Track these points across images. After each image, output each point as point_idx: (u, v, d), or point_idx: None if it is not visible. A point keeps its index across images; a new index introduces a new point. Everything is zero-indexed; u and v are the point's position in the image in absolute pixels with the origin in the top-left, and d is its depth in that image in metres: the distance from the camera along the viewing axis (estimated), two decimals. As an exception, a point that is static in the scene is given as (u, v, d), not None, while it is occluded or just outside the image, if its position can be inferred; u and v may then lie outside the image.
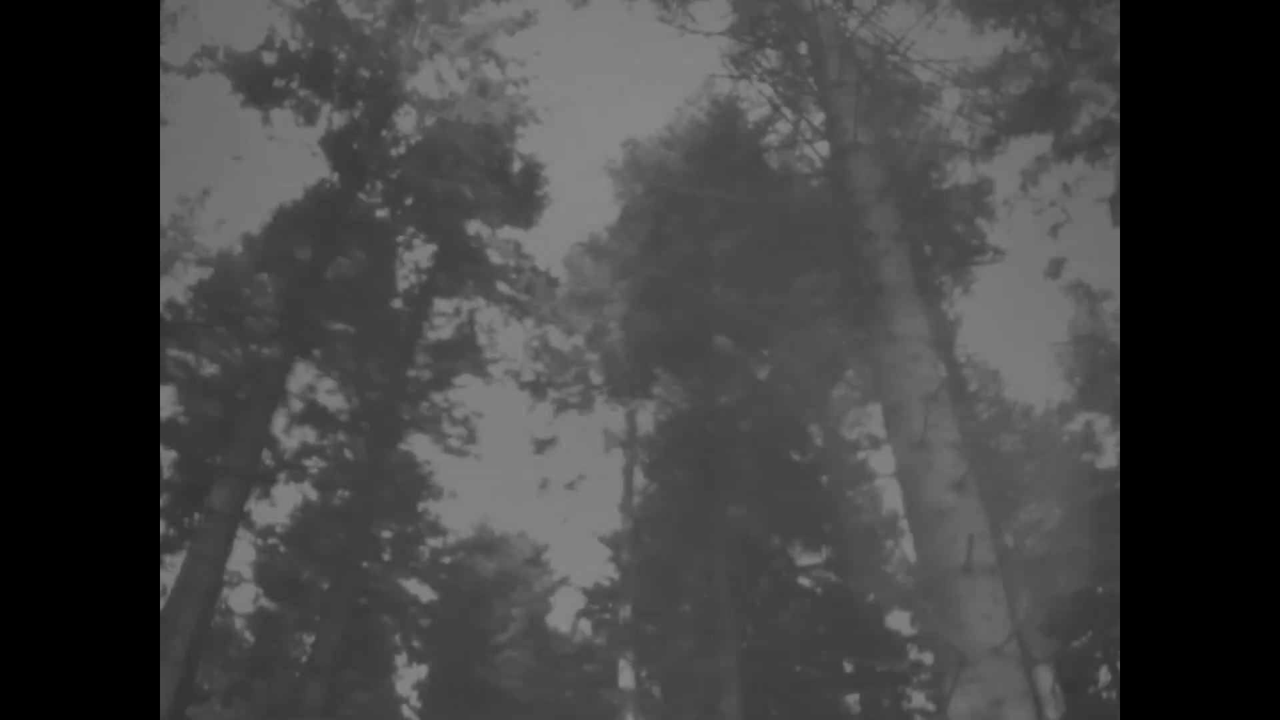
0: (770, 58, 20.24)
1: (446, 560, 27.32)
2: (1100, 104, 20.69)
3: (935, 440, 9.87)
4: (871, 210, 12.28)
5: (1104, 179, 28.19)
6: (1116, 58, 20.52)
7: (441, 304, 23.95)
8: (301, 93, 19.49)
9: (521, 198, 22.67)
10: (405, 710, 28.88)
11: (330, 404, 23.56)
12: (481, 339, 23.44)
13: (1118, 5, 20.62)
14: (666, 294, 20.87)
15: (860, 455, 30.05)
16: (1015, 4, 19.95)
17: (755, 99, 22.39)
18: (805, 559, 30.42)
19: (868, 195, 12.48)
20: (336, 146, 20.00)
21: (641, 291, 20.96)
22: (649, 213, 21.06)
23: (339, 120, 19.82)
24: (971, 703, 8.26)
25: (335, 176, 20.44)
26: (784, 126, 21.67)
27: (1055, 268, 32.55)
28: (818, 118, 23.94)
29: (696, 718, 23.46)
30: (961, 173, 24.38)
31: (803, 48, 17.06)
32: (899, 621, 32.04)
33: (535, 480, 31.45)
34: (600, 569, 43.37)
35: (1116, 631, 26.66)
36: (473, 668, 25.97)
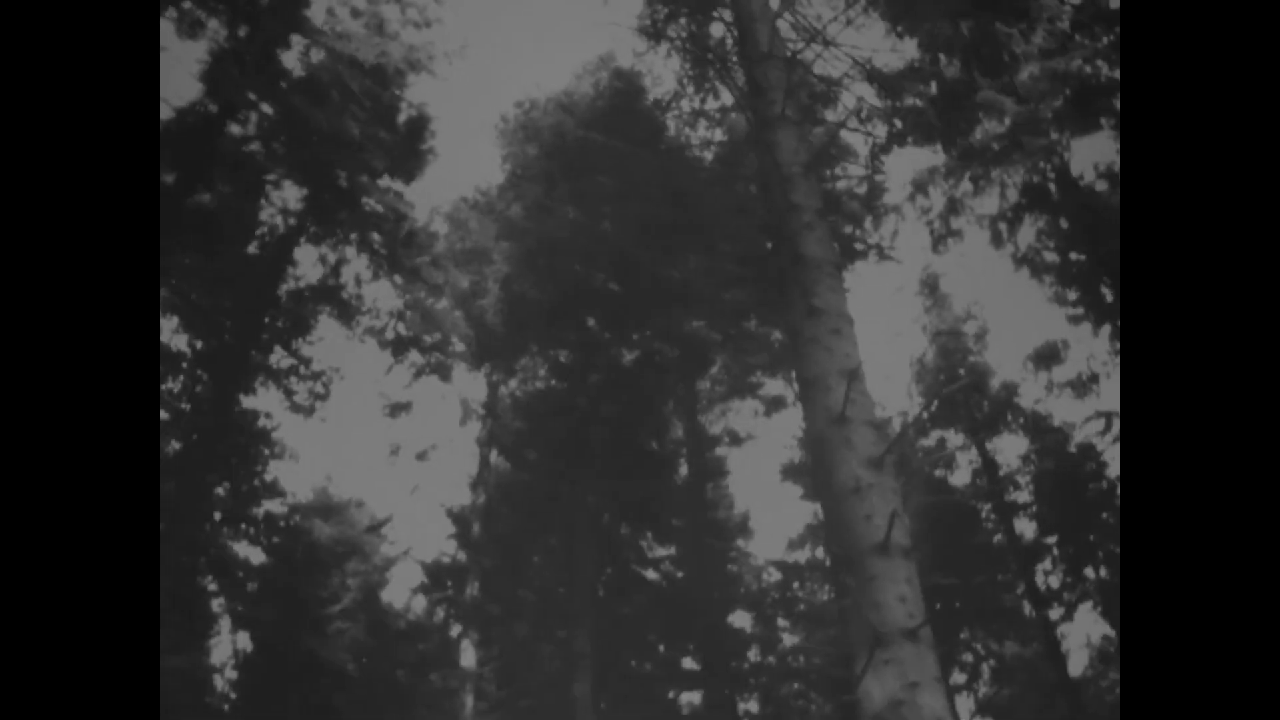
0: (682, 28, 19.99)
1: (282, 524, 26.03)
2: (1000, 118, 21.13)
3: (855, 416, 9.68)
4: (797, 183, 12.13)
5: (989, 199, 28.90)
6: (1025, 72, 21.02)
7: (308, 250, 22.78)
8: (186, 4, 18.21)
9: (406, 148, 21.76)
10: (218, 681, 27.43)
11: (173, 344, 22.10)
12: (348, 290, 22.38)
13: (1035, 21, 21.14)
14: (552, 261, 20.31)
15: (720, 451, 30.07)
16: (927, 12, 20.16)
17: (659, 75, 22.23)
18: (655, 551, 30.30)
19: (794, 168, 12.32)
20: (216, 69, 18.74)
21: (526, 255, 20.35)
22: (542, 176, 20.49)
23: (224, 39, 18.58)
24: (885, 685, 8.04)
25: (210, 101, 19.17)
26: (686, 104, 21.34)
27: (931, 280, 33.46)
28: (726, 95, 23.97)
29: (542, 701, 22.93)
30: (854, 173, 24.68)
31: (727, 15, 16.76)
32: (743, 620, 32.16)
33: (386, 447, 30.38)
34: (445, 545, 42.23)
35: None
36: (301, 638, 24.75)
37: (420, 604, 29.37)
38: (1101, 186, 22.23)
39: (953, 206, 23.67)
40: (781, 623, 32.55)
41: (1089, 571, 29.38)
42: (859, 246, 24.10)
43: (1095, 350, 30.44)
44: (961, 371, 30.58)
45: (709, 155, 24.27)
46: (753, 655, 31.54)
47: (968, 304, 35.73)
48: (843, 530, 9.02)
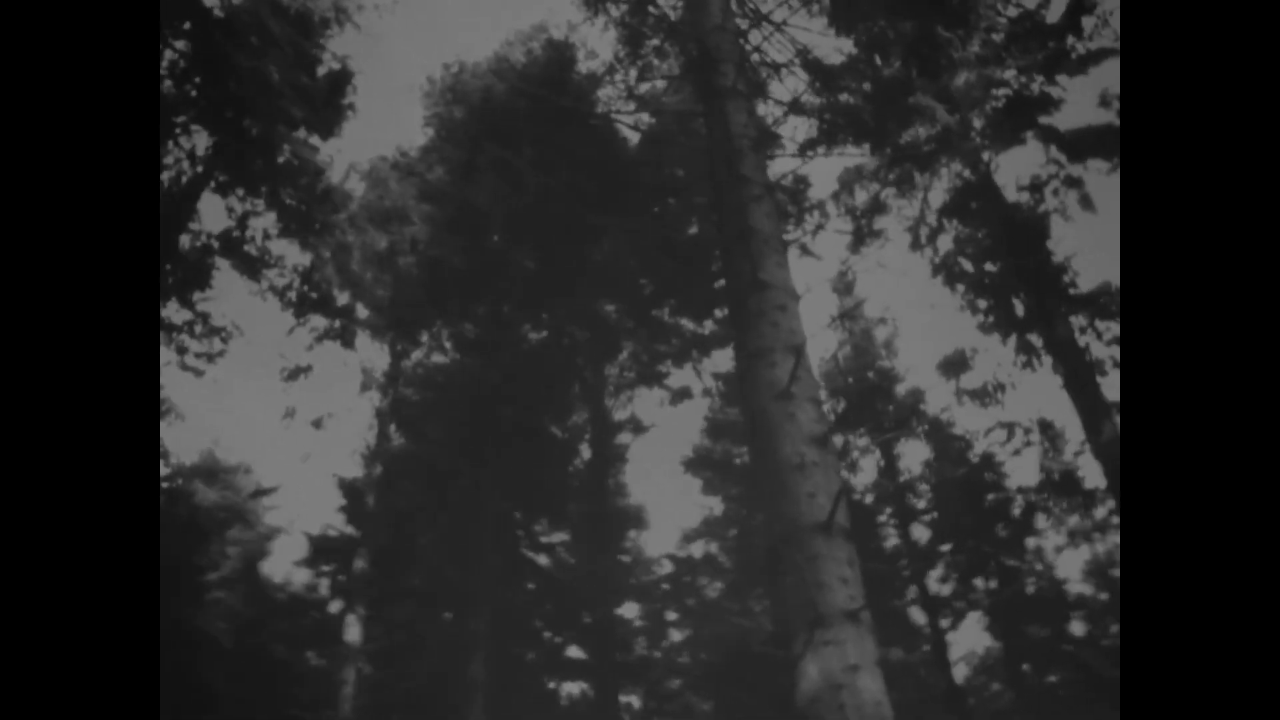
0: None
1: (163, 484, 24.94)
2: (931, 123, 21.24)
3: (799, 393, 9.48)
4: (747, 156, 11.94)
5: (913, 202, 29.18)
6: (960, 79, 21.17)
7: (214, 200, 21.73)
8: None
9: (326, 101, 20.96)
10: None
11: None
12: (254, 245, 21.44)
13: (973, 30, 21.29)
14: (473, 228, 19.75)
15: (622, 439, 29.76)
16: (870, 9, 20.17)
17: (594, 48, 21.84)
18: (549, 536, 29.90)
19: (743, 141, 12.13)
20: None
21: (447, 220, 19.75)
22: (467, 140, 19.91)
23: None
24: (825, 665, 7.80)
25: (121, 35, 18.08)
26: (620, 80, 21.01)
27: (841, 282, 33.63)
28: (658, 81, 23.70)
29: (428, 684, 22.33)
30: (783, 166, 24.67)
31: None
32: (632, 612, 31.96)
33: (281, 412, 29.30)
34: (336, 518, 41.05)
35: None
36: (174, 605, 23.73)
37: (303, 577, 28.49)
38: (1024, 198, 22.48)
39: (877, 206, 23.77)
40: (670, 616, 32.43)
41: (978, 581, 29.85)
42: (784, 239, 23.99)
43: (1002, 360, 30.79)
44: (870, 374, 30.80)
45: (636, 137, 24.00)
46: (640, 648, 31.38)
47: (881, 308, 36.09)
48: (784, 506, 8.76)
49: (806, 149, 22.09)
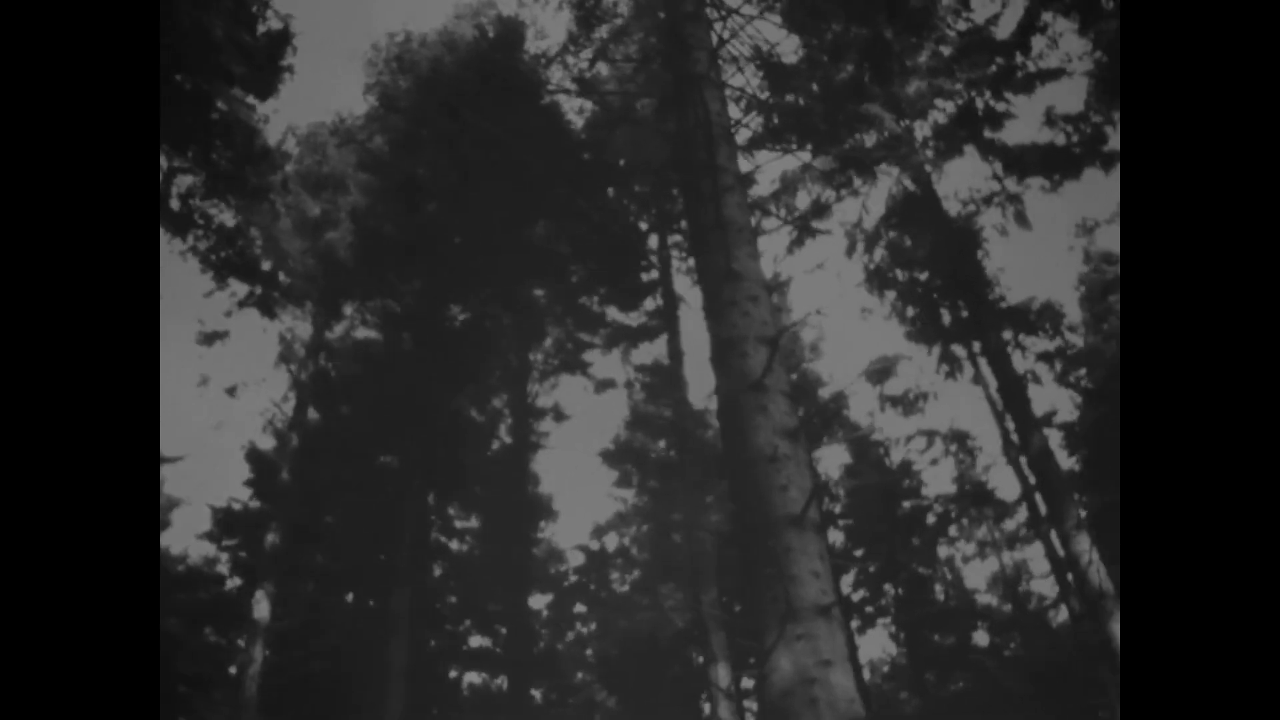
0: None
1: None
2: (880, 130, 21.45)
3: (772, 385, 9.44)
4: (720, 145, 11.86)
5: (852, 207, 29.36)
6: (911, 87, 21.42)
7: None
8: None
9: (266, 60, 20.35)
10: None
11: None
12: (176, 203, 20.73)
13: (924, 40, 21.56)
14: (413, 199, 19.37)
15: (542, 426, 29.55)
16: (830, 11, 20.26)
17: (544, 28, 21.57)
18: (461, 521, 29.57)
19: (717, 129, 12.06)
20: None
21: (387, 190, 19.33)
22: (413, 110, 19.49)
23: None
24: (797, 660, 7.76)
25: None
26: (572, 62, 20.80)
27: (775, 282, 33.82)
28: (604, 68, 23.53)
29: (338, 665, 21.83)
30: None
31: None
32: (537, 603, 31.75)
33: (193, 379, 28.41)
34: (242, 491, 40.08)
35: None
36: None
37: (204, 551, 27.70)
38: (963, 211, 22.86)
39: (818, 209, 23.97)
40: (579, 609, 32.33)
41: (889, 588, 30.33)
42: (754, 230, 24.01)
43: (925, 368, 31.26)
44: (793, 376, 31.04)
45: (581, 121, 23.82)
46: (544, 640, 31.22)
47: (807, 311, 36.38)
48: (755, 499, 8.72)
49: (752, 146, 22.13)
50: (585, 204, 23.75)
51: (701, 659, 30.27)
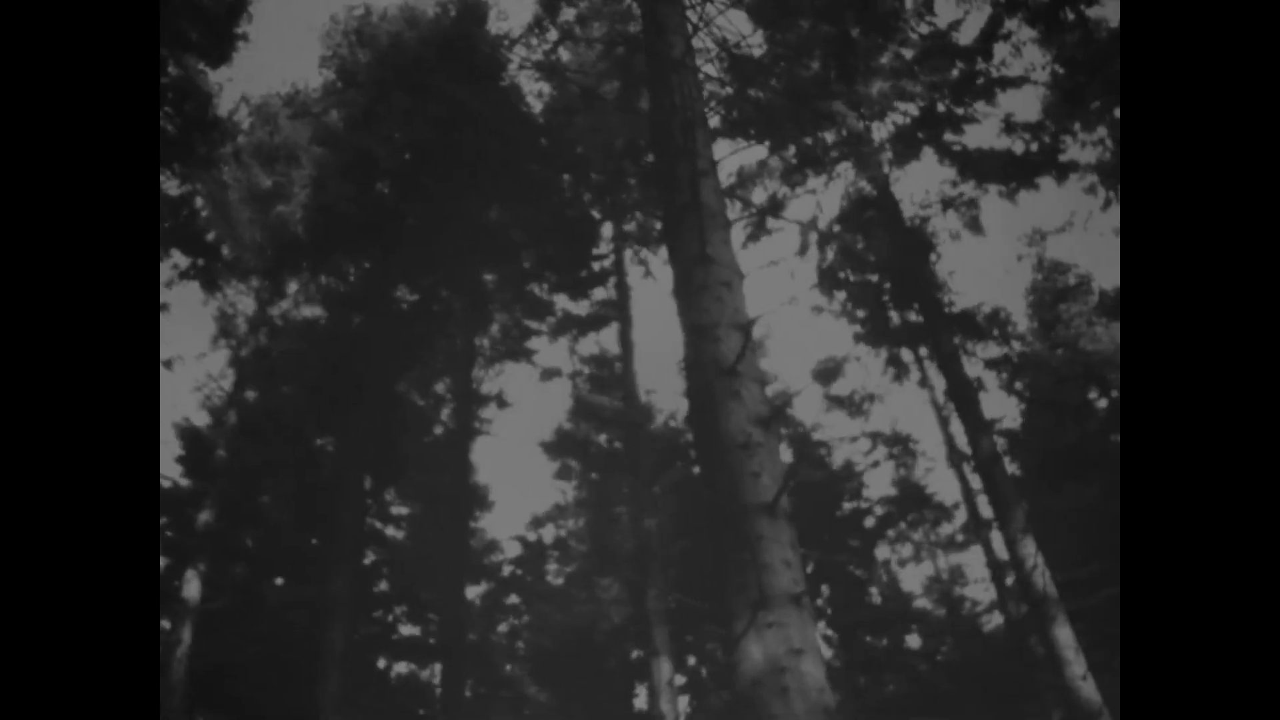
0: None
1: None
2: (840, 129, 21.52)
3: (745, 372, 9.39)
4: (696, 130, 11.79)
5: (807, 203, 29.40)
6: (874, 87, 21.50)
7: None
8: None
9: (222, 26, 19.91)
10: None
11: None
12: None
13: (888, 41, 21.65)
14: (368, 176, 19.04)
15: (485, 414, 29.23)
16: (800, 6, 20.26)
17: (505, 9, 21.31)
18: (398, 507, 29.21)
19: (691, 113, 11.99)
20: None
21: (342, 166, 18.96)
22: (373, 84, 19.16)
23: None
24: (768, 649, 7.69)
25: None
26: (536, 45, 20.57)
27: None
28: (564, 52, 23.34)
29: (272, 647, 21.42)
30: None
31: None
32: (470, 594, 31.42)
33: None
34: (172, 468, 39.22)
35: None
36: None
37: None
38: (919, 214, 23.02)
39: (774, 205, 23.99)
40: (513, 600, 32.09)
41: (825, 588, 30.51)
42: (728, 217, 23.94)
43: (871, 370, 31.49)
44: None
45: (540, 105, 23.61)
46: (476, 631, 30.91)
47: (763, 307, 36.50)
48: (728, 485, 8.64)
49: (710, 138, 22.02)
50: (541, 190, 23.57)
51: (637, 654, 30.24)
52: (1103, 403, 27.34)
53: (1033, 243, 30.00)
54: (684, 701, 32.37)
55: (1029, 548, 17.54)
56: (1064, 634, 16.57)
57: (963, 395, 19.85)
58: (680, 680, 31.88)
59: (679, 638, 29.56)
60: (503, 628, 31.68)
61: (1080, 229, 25.90)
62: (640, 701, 30.01)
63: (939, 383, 27.09)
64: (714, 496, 8.85)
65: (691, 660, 31.60)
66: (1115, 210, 27.16)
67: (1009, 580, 27.24)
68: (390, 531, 28.81)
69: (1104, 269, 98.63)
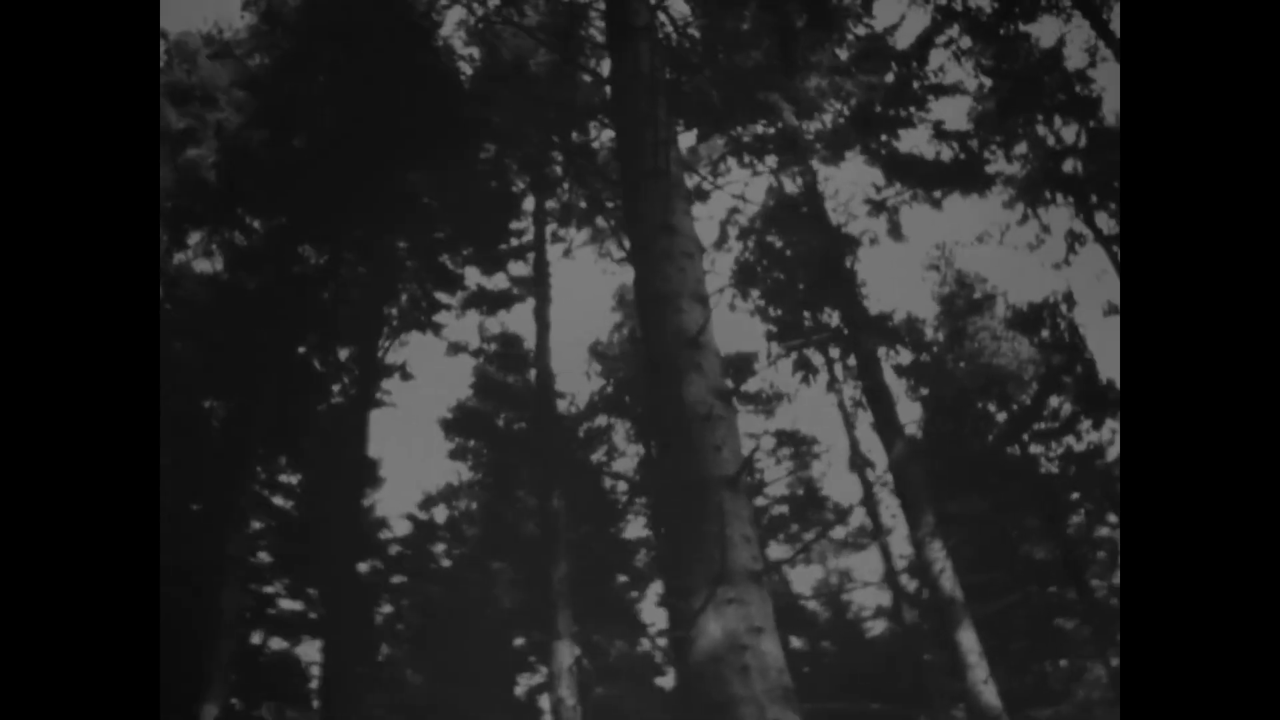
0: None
1: None
2: (775, 121, 21.53)
3: (707, 344, 9.26)
4: (659, 98, 11.60)
5: (725, 196, 29.39)
6: (813, 83, 21.55)
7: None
8: None
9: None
10: None
11: None
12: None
13: (826, 39, 21.72)
14: (288, 127, 18.36)
15: (387, 385, 28.44)
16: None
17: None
18: (286, 476, 28.30)
19: (654, 81, 11.82)
20: None
21: (265, 111, 18.23)
22: (302, 31, 18.47)
23: None
24: (727, 625, 7.53)
25: None
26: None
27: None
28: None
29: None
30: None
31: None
32: (359, 571, 30.57)
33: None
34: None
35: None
36: None
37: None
38: (843, 214, 23.17)
39: (697, 194, 23.91)
40: (397, 580, 31.37)
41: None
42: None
43: (781, 369, 31.67)
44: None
45: (471, 70, 23.13)
46: (362, 609, 30.13)
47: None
48: (689, 457, 8.47)
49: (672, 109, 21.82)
50: (462, 158, 23.09)
51: (521, 641, 29.95)
52: (1001, 416, 28.00)
53: (944, 253, 30.63)
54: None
55: (938, 551, 17.77)
56: (968, 638, 16.81)
57: (879, 397, 20.05)
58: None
59: (584, 621, 29.34)
60: (386, 608, 30.96)
61: (996, 242, 26.36)
62: (521, 689, 29.78)
63: (847, 387, 27.36)
64: (673, 468, 8.67)
65: (576, 651, 31.34)
66: (1032, 225, 27.83)
67: (910, 584, 27.78)
68: (278, 500, 27.87)
69: (1016, 283, 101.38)
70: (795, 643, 30.94)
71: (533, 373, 30.13)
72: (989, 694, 16.13)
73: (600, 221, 25.49)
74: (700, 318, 9.40)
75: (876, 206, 22.56)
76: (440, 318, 27.96)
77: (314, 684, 28.72)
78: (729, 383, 9.20)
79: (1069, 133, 24.95)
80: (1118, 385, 25.06)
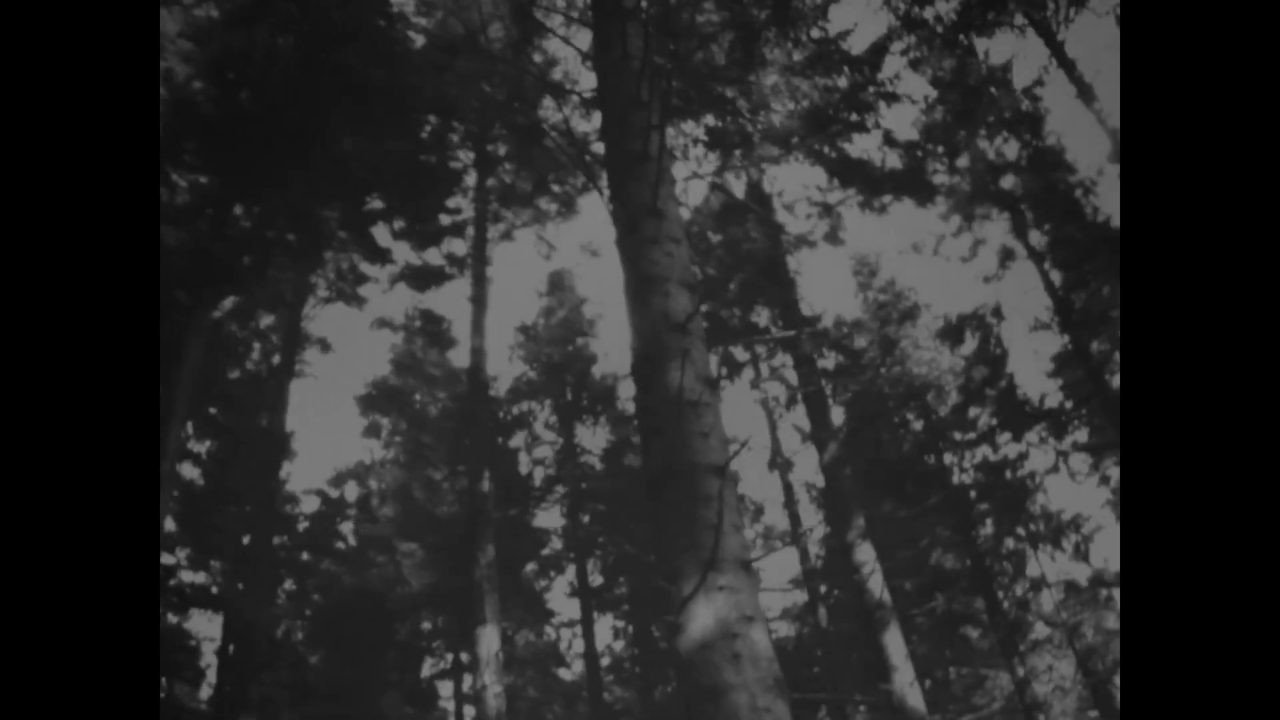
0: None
1: None
2: (733, 117, 21.62)
3: (694, 330, 9.31)
4: (646, 81, 11.61)
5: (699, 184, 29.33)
6: (770, 79, 21.69)
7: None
8: None
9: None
10: None
11: None
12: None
13: (784, 37, 21.87)
14: (236, 78, 17.87)
15: (307, 356, 27.93)
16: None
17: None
18: (197, 445, 27.58)
19: (638, 63, 11.83)
20: None
21: (211, 63, 17.71)
22: (257, -18, 17.97)
23: None
24: (719, 612, 7.57)
25: None
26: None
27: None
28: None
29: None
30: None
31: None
32: (265, 547, 29.91)
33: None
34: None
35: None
36: None
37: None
38: (786, 215, 23.42)
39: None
40: (305, 558, 30.79)
41: (623, 579, 30.62)
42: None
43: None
44: (570, 348, 30.89)
45: (421, 40, 22.81)
46: (265, 585, 29.52)
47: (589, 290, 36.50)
48: (678, 443, 8.49)
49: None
50: (403, 127, 22.76)
51: (427, 625, 29.65)
52: (918, 424, 28.57)
53: (872, 260, 31.16)
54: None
55: (868, 553, 18.07)
56: (895, 641, 17.14)
57: (815, 399, 20.31)
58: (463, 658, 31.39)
59: (509, 609, 29.09)
60: (290, 585, 30.32)
61: (931, 252, 26.90)
62: (426, 674, 29.50)
63: (771, 386, 27.65)
64: (662, 454, 8.66)
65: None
66: (965, 238, 28.45)
67: (823, 588, 28.14)
68: (184, 469, 27.14)
69: (946, 294, 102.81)
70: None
71: (453, 352, 29.96)
72: (914, 696, 16.48)
73: (544, 204, 25.35)
74: (689, 304, 9.44)
75: (824, 209, 22.80)
76: (367, 291, 27.60)
77: (206, 660, 28.02)
78: (711, 371, 9.23)
79: (1010, 149, 25.63)
80: (1036, 401, 25.77)
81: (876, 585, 17.61)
